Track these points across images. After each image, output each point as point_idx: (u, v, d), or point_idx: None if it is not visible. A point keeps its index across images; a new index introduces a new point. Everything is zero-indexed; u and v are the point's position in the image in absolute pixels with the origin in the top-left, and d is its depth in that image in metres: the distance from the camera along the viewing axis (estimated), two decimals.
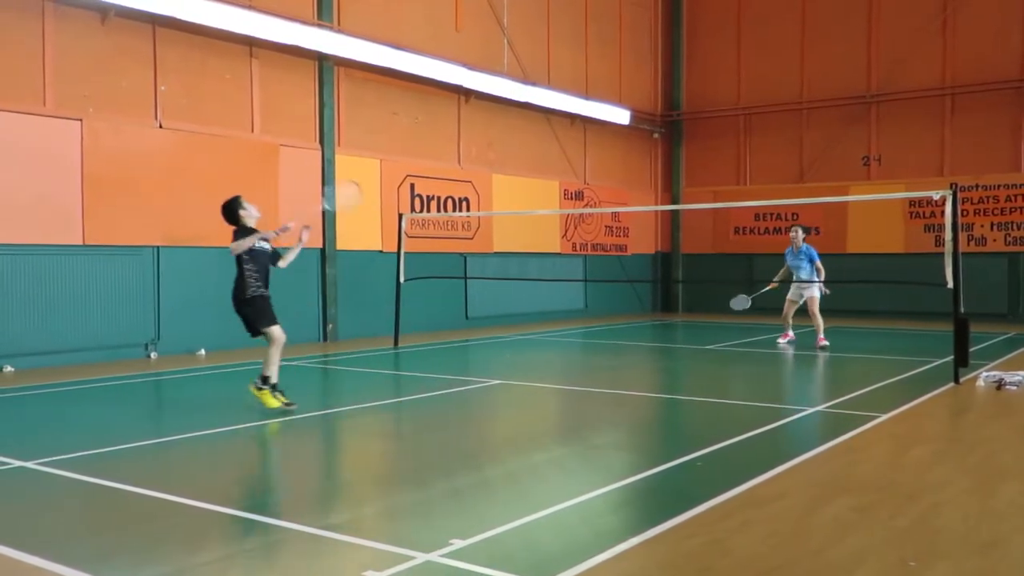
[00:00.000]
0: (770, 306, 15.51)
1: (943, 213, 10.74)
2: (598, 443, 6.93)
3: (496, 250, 18.24)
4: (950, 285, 9.78)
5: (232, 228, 8.11)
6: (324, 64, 14.66)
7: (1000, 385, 9.27)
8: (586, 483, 5.51)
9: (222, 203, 8.16)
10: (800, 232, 14.05)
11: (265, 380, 7.97)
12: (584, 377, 11.42)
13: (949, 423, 7.85)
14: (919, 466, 5.95)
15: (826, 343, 13.46)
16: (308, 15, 14.23)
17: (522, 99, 18.07)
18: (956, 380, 9.57)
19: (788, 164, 21.71)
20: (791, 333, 14.33)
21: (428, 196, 16.71)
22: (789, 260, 14.09)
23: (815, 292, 13.77)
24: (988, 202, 19.15)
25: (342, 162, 15.00)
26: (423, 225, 16.58)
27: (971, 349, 10.07)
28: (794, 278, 14.01)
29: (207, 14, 12.40)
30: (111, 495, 5.34)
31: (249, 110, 13.75)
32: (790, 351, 13.36)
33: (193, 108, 13.00)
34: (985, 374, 9.84)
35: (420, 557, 4.05)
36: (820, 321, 13.70)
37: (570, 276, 20.26)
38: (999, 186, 19.04)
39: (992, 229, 19.16)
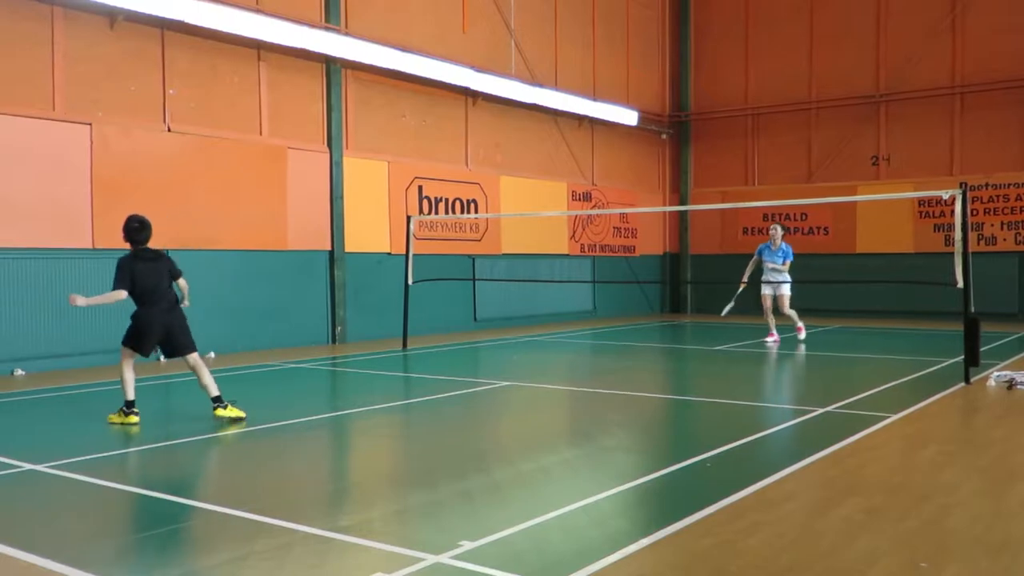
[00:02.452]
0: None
1: (953, 212, 10.73)
2: (607, 444, 6.92)
3: (504, 252, 18.24)
4: (960, 285, 9.75)
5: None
6: (332, 67, 14.70)
7: (1011, 385, 9.23)
8: (596, 484, 5.50)
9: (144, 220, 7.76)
10: (780, 229, 14.47)
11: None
12: (593, 379, 11.41)
13: (960, 423, 7.82)
14: (930, 467, 5.92)
15: (794, 335, 14.33)
16: (315, 18, 14.27)
17: (530, 101, 18.08)
18: (967, 380, 9.54)
19: (797, 164, 21.65)
20: (775, 333, 14.53)
21: (436, 198, 16.72)
22: (765, 256, 14.40)
23: (786, 290, 14.26)
24: (998, 201, 19.06)
25: (350, 164, 15.03)
26: (431, 227, 16.60)
27: (982, 349, 10.03)
28: (765, 271, 14.35)
29: (215, 18, 12.45)
30: (122, 498, 5.36)
31: (257, 113, 13.79)
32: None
33: (201, 111, 13.05)
34: (996, 374, 9.79)
35: (430, 559, 4.05)
36: (794, 313, 14.36)
37: (578, 278, 20.25)
38: (1009, 185, 18.95)
39: (1002, 228, 19.07)
